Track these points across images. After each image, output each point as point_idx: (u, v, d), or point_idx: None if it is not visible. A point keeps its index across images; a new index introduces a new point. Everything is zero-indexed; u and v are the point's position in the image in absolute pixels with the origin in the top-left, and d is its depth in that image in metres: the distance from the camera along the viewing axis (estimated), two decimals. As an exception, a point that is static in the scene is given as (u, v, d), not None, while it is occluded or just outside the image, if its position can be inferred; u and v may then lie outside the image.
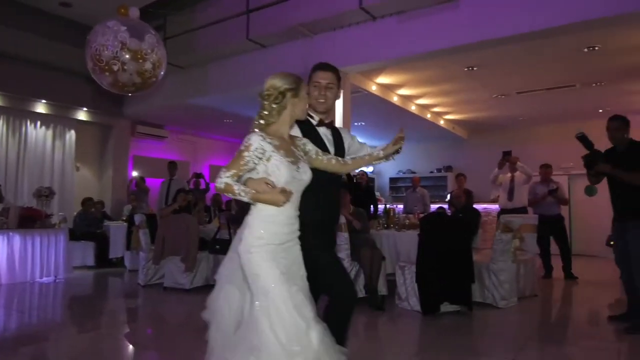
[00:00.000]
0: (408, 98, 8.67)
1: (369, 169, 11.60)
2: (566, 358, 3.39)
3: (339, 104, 6.69)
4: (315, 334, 1.88)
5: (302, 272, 2.06)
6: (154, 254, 5.74)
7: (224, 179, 1.91)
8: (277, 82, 2.07)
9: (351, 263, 4.81)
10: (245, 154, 1.94)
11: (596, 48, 6.04)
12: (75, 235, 7.40)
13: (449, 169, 12.05)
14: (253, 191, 1.91)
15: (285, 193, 1.92)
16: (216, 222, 6.67)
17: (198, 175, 9.55)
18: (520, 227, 4.92)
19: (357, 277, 4.86)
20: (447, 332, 3.95)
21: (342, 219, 4.84)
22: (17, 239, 6.12)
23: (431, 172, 12.17)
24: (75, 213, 8.23)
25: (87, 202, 8.00)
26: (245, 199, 1.92)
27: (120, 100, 9.16)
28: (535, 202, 6.75)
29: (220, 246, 5.43)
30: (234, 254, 2.07)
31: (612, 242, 6.87)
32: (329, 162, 2.20)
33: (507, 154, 6.86)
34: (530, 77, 7.45)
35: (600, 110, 9.37)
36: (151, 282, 5.95)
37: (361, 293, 4.85)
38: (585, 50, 6.13)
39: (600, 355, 3.43)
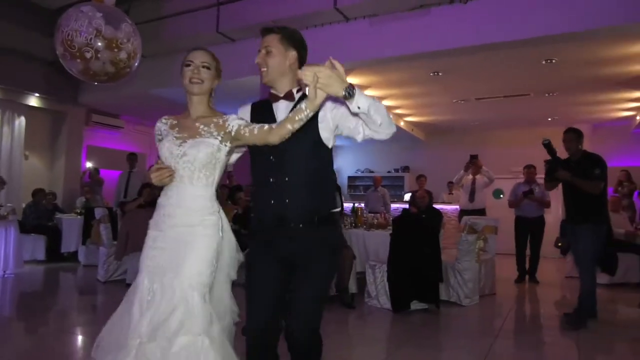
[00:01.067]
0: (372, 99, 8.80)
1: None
2: (524, 350, 3.60)
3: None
4: None
5: None
6: (117, 250, 5.54)
7: None
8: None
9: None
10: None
11: (553, 61, 6.40)
12: (24, 228, 6.99)
13: (406, 169, 12.36)
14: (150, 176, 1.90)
15: (161, 170, 1.85)
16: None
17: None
18: (484, 229, 5.15)
19: (328, 275, 4.92)
20: (417, 329, 4.09)
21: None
22: (-38, 231, 5.72)
23: (389, 171, 12.43)
24: (23, 204, 7.78)
25: (38, 193, 7.58)
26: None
27: (76, 87, 8.74)
28: (514, 204, 6.72)
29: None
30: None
31: (559, 244, 7.38)
32: (251, 132, 1.84)
33: (474, 157, 7.14)
34: (490, 85, 7.78)
35: (549, 119, 9.96)
36: (112, 279, 5.74)
37: (332, 291, 4.92)
38: (543, 62, 6.47)
39: (552, 347, 3.67)
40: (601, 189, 4.16)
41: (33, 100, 8.36)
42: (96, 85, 8.73)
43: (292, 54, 1.93)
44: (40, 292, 5.70)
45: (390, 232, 4.82)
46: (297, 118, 1.73)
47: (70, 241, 7.45)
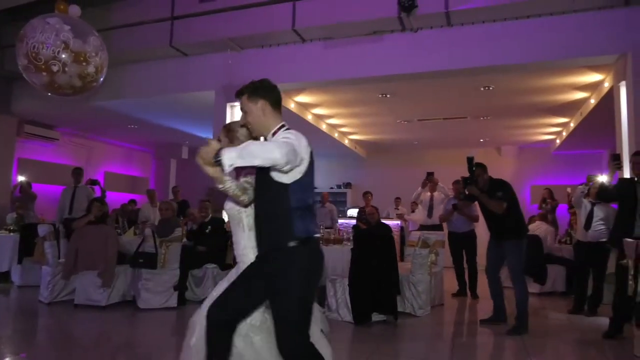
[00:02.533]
0: (320, 117, 9.07)
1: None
2: (481, 354, 3.91)
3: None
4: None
5: None
6: (65, 268, 5.27)
7: None
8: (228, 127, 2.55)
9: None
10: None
11: (490, 88, 7.00)
12: (-51, 246, 6.43)
13: (348, 185, 12.71)
14: None
15: None
16: (130, 234, 6.32)
17: (93, 182, 8.87)
18: (435, 243, 5.49)
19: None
20: (381, 340, 4.28)
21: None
22: None
23: (331, 187, 12.71)
24: (-54, 221, 7.14)
25: (-35, 208, 6.99)
26: None
27: (8, 95, 8.22)
28: (444, 218, 7.06)
29: (144, 260, 5.19)
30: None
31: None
32: None
33: (430, 175, 7.39)
34: (432, 107, 8.31)
35: (481, 140, 10.74)
36: (57, 299, 5.43)
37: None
38: (482, 89, 7.06)
39: (504, 351, 4.03)
40: (504, 208, 4.62)
41: (-41, 108, 7.75)
42: (31, 94, 8.31)
43: (261, 103, 2.15)
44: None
45: (350, 247, 5.00)
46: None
47: (2, 260, 6.92)
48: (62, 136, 9.69)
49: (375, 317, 4.78)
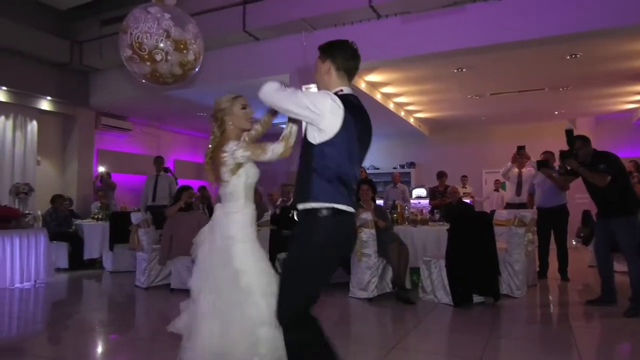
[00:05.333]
0: (388, 96, 8.87)
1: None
2: (588, 332, 3.71)
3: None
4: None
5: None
6: (161, 255, 5.43)
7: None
8: (214, 106, 2.49)
9: (378, 259, 4.88)
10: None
11: (577, 56, 6.56)
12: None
13: (412, 165, 12.47)
14: None
15: None
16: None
17: (165, 170, 9.12)
18: (531, 221, 5.26)
19: (385, 273, 4.95)
20: (487, 321, 4.14)
21: (368, 216, 4.90)
22: (-6, 241, 5.52)
23: (394, 168, 12.50)
24: (39, 211, 7.52)
25: (57, 199, 7.35)
26: None
27: (86, 89, 8.52)
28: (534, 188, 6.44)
29: (236, 245, 5.25)
30: (219, 245, 2.32)
31: (581, 234, 7.53)
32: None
33: (521, 148, 6.86)
34: (507, 80, 7.92)
35: (556, 112, 10.19)
36: (154, 284, 5.63)
37: (388, 288, 4.96)
38: (568, 57, 6.63)
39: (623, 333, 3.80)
40: (607, 181, 4.33)
41: (45, 104, 8.11)
42: (105, 86, 8.57)
43: (328, 63, 2.16)
44: (86, 301, 5.56)
45: (436, 226, 4.86)
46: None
47: (92, 248, 7.26)
48: (134, 126, 9.99)
49: (475, 298, 4.65)
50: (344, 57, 2.15)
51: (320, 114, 1.95)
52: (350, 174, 2.06)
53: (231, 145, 2.31)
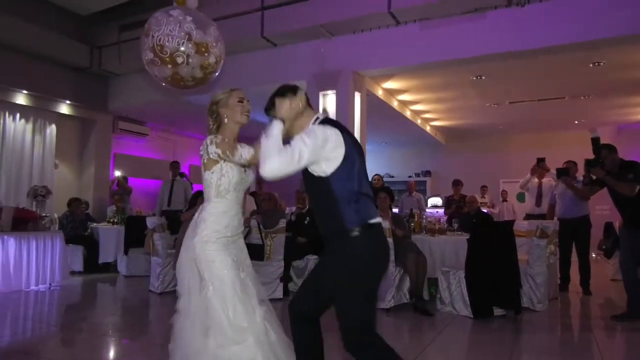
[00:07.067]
0: (405, 103, 8.79)
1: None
2: (613, 348, 3.56)
3: (357, 107, 6.67)
4: (259, 313, 2.24)
5: (248, 261, 2.41)
6: (175, 260, 5.39)
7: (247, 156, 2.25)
8: (210, 100, 2.43)
9: (395, 268, 4.78)
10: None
11: (601, 63, 6.42)
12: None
13: (427, 173, 12.34)
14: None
15: None
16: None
17: (181, 175, 9.14)
18: (553, 232, 5.12)
19: (402, 283, 4.85)
20: (507, 336, 4.02)
21: (386, 224, 4.81)
22: (12, 243, 5.54)
23: (409, 176, 12.38)
24: (56, 214, 7.57)
25: (73, 202, 7.39)
26: None
27: (105, 93, 8.59)
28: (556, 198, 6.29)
29: (251, 251, 5.18)
30: (189, 244, 2.29)
31: (603, 246, 7.33)
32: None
33: (541, 160, 6.70)
34: (527, 88, 7.80)
35: (576, 122, 10.01)
36: (168, 289, 5.59)
37: (405, 298, 4.85)
38: (591, 65, 6.49)
39: None
40: (635, 190, 4.23)
41: (64, 108, 8.20)
42: (123, 91, 8.64)
43: (296, 99, 2.11)
44: (100, 305, 5.54)
45: (455, 236, 4.75)
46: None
47: (108, 251, 7.27)
48: (151, 131, 10.05)
49: (495, 311, 4.52)
50: (300, 89, 2.14)
51: (322, 146, 1.93)
52: (368, 184, 2.11)
53: (209, 139, 2.27)
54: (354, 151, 2.02)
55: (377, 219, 2.03)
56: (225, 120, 2.37)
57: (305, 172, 2.04)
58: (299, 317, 2.16)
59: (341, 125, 2.09)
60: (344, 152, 1.96)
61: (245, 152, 2.23)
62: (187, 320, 2.24)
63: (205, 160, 2.28)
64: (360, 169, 2.04)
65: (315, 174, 2.00)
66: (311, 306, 2.15)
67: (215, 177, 2.28)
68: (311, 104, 2.18)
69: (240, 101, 2.37)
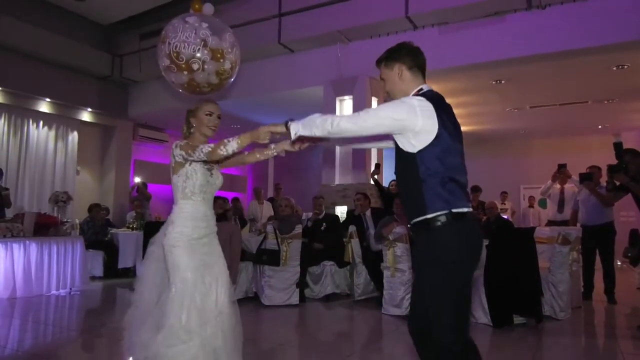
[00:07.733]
0: (423, 108, 8.71)
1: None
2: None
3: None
4: (213, 320, 2.25)
5: (221, 261, 2.41)
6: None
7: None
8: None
9: (412, 275, 4.71)
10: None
11: (625, 67, 6.27)
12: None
13: (446, 179, 12.19)
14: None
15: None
16: (245, 231, 6.41)
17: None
18: (576, 239, 4.99)
19: (419, 289, 4.77)
20: (528, 345, 3.92)
21: (403, 230, 4.75)
22: (33, 248, 5.64)
23: (427, 182, 12.22)
24: (77, 220, 7.71)
25: (94, 208, 7.51)
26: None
27: (125, 101, 8.74)
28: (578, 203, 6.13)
29: (267, 257, 5.21)
30: (158, 245, 2.36)
31: (629, 254, 7.12)
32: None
33: (562, 167, 6.62)
34: (549, 92, 7.67)
35: (600, 126, 9.79)
36: (185, 294, 5.61)
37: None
38: (614, 68, 6.35)
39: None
40: None
41: (85, 115, 8.36)
42: (143, 98, 8.77)
43: (397, 67, 2.05)
44: (120, 310, 5.54)
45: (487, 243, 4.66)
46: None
47: (127, 256, 7.35)
48: (170, 138, 10.17)
49: (515, 319, 4.41)
50: (412, 54, 2.05)
51: (406, 119, 1.81)
52: (463, 171, 1.94)
53: (174, 144, 2.33)
54: (451, 132, 1.89)
55: (465, 209, 1.86)
56: (192, 130, 2.45)
57: (396, 148, 1.94)
58: (418, 336, 2.01)
59: (443, 104, 1.94)
60: (436, 130, 1.83)
61: (204, 148, 2.21)
62: (137, 311, 2.36)
63: (173, 164, 2.34)
64: (454, 153, 1.90)
65: (405, 148, 1.89)
66: (422, 321, 1.96)
67: (181, 180, 2.33)
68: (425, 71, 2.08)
69: (209, 114, 2.41)
